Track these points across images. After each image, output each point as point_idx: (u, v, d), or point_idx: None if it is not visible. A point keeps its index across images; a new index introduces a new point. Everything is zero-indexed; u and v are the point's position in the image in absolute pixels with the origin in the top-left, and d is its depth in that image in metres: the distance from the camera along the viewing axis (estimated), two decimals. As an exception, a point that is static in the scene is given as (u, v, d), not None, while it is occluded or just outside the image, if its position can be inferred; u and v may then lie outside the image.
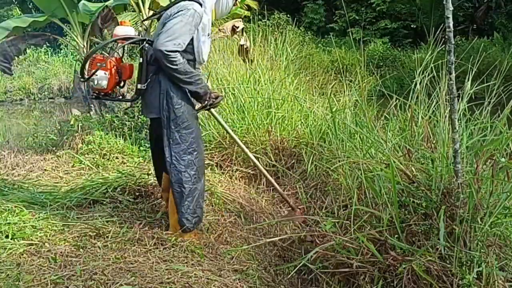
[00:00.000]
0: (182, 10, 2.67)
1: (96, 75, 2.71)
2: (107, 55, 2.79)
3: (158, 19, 2.98)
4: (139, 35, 2.81)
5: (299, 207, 3.48)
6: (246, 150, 3.36)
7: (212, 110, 3.03)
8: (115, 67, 2.76)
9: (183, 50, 2.69)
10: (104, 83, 2.74)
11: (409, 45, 15.42)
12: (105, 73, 2.73)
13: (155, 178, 3.36)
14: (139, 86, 2.75)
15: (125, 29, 2.82)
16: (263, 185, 3.98)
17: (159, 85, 2.75)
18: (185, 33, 2.66)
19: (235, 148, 4.18)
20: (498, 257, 2.24)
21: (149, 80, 2.75)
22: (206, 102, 2.86)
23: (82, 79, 2.82)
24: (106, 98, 2.91)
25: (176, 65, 2.63)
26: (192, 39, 2.75)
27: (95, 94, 2.85)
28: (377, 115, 3.75)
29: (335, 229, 2.63)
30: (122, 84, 2.88)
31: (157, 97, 2.75)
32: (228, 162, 4.17)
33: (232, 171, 4.09)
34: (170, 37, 2.60)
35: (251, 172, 4.08)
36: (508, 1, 15.56)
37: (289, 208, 3.52)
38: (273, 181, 3.49)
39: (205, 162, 4.08)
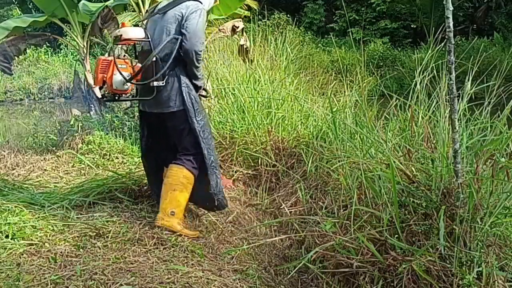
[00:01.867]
0: (196, 11, 2.84)
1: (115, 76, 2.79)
2: (126, 56, 2.91)
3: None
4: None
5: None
6: None
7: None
8: (131, 68, 2.86)
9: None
10: (128, 84, 2.84)
11: (409, 45, 15.42)
12: (128, 75, 2.82)
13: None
14: (155, 83, 2.82)
15: (137, 30, 2.91)
16: (263, 185, 3.98)
17: (178, 79, 2.89)
18: (203, 32, 2.91)
19: (235, 148, 4.18)
20: (498, 257, 2.23)
21: (166, 76, 2.85)
22: (206, 95, 3.16)
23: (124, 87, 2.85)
24: (123, 99, 3.01)
25: (200, 63, 2.88)
26: None
27: (113, 96, 2.90)
28: (377, 115, 3.74)
29: (335, 229, 2.63)
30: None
31: (177, 91, 2.88)
32: (229, 163, 4.17)
33: (233, 171, 4.09)
34: (198, 38, 2.81)
35: (251, 173, 4.08)
36: (508, 1, 15.56)
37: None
38: None
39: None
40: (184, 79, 2.90)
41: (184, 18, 2.83)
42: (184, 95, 2.89)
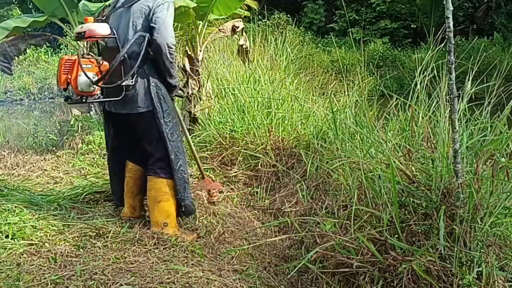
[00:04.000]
0: (163, 3, 2.73)
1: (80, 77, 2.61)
2: (92, 55, 2.74)
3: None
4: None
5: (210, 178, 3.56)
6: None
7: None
8: (98, 67, 2.69)
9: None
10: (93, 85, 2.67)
11: (409, 45, 15.41)
12: (94, 75, 2.64)
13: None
14: (126, 82, 2.68)
15: (103, 26, 2.74)
16: (263, 185, 3.98)
17: (147, 78, 2.77)
18: (172, 25, 2.75)
19: (235, 148, 4.18)
20: (498, 257, 2.23)
21: (136, 75, 2.73)
22: (173, 94, 2.99)
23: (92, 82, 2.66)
24: (91, 101, 2.79)
25: (174, 58, 2.75)
26: None
27: (78, 99, 2.72)
28: (377, 115, 3.74)
29: (335, 229, 2.63)
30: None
31: (146, 91, 2.76)
32: (230, 164, 4.17)
33: (233, 172, 4.09)
34: (169, 31, 2.69)
35: (251, 173, 4.08)
36: (508, 1, 15.55)
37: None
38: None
39: (205, 165, 4.11)
40: (153, 78, 2.78)
41: (151, 11, 2.72)
42: (153, 95, 2.76)
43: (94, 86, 2.67)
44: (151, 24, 2.69)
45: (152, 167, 2.85)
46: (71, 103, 2.85)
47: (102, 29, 2.73)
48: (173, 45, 2.70)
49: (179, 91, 3.07)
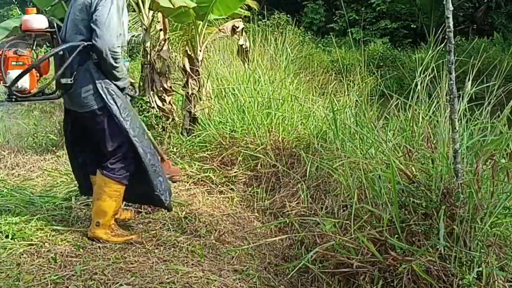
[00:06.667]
0: None
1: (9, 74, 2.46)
2: (23, 51, 2.57)
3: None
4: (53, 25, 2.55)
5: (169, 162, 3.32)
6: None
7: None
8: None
9: None
10: (26, 84, 2.51)
11: (409, 45, 15.42)
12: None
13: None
14: (63, 80, 2.50)
15: (39, 18, 2.54)
16: (263, 185, 3.98)
17: (91, 75, 2.52)
18: (118, 23, 2.45)
19: (235, 148, 4.18)
20: (498, 257, 2.24)
21: (75, 72, 2.51)
22: (135, 94, 2.89)
23: (5, 85, 2.52)
24: (29, 99, 2.67)
25: (118, 62, 2.48)
26: None
27: (14, 98, 2.57)
28: (377, 115, 3.74)
29: (335, 229, 2.63)
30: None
31: (92, 88, 2.53)
32: (230, 165, 4.17)
33: (233, 172, 4.09)
34: (112, 31, 2.39)
35: (251, 173, 4.08)
36: (508, 1, 15.55)
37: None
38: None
39: (205, 165, 4.10)
40: (99, 74, 2.53)
41: (92, 5, 2.42)
42: (101, 91, 2.52)
43: (26, 84, 2.49)
44: (91, 25, 2.41)
45: (107, 165, 2.64)
46: (10, 101, 2.63)
47: (39, 22, 2.52)
48: (117, 47, 2.41)
49: (131, 92, 2.80)
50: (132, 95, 2.84)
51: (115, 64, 2.47)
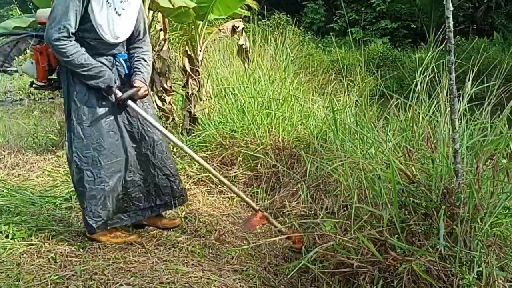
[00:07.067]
0: None
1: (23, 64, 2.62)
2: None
3: None
4: None
5: (261, 210, 3.03)
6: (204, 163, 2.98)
7: (135, 106, 2.58)
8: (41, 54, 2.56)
9: (84, 30, 2.39)
10: (33, 72, 2.61)
11: (409, 45, 15.42)
12: (32, 62, 2.62)
13: None
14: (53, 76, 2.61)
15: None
16: (263, 185, 3.98)
17: (66, 72, 2.51)
18: (66, 12, 2.29)
19: (235, 148, 4.18)
20: (498, 257, 2.23)
21: (58, 66, 2.59)
22: (113, 99, 2.51)
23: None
24: (43, 88, 2.76)
25: (68, 56, 2.34)
26: (88, 14, 2.36)
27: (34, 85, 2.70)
28: (377, 115, 3.74)
29: (335, 230, 2.63)
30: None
31: (66, 85, 2.52)
32: (230, 165, 4.17)
33: (233, 172, 4.09)
34: (52, 22, 2.30)
35: (251, 173, 4.08)
36: (508, 1, 15.56)
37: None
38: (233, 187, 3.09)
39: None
40: (68, 72, 2.51)
41: None
42: (64, 89, 2.53)
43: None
44: None
45: None
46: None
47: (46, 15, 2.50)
48: (56, 40, 2.29)
49: (123, 99, 2.53)
50: (120, 100, 2.52)
51: (63, 58, 2.36)
